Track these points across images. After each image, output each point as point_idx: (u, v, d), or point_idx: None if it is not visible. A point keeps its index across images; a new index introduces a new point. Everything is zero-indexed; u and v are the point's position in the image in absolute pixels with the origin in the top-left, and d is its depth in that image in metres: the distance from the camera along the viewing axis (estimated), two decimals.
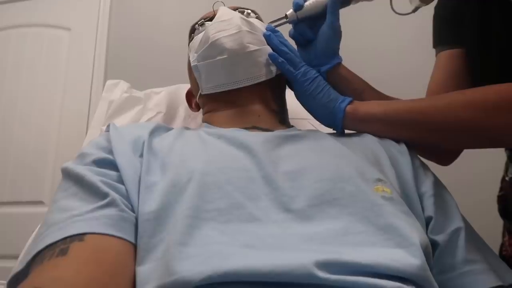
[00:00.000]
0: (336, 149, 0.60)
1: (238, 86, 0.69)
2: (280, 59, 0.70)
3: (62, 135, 1.96)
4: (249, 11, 0.79)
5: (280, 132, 0.64)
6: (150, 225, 0.47)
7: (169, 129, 0.68)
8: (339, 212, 0.49)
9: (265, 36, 0.72)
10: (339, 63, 0.73)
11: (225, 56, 0.68)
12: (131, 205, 0.50)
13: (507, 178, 0.76)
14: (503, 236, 0.81)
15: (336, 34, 0.71)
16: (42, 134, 1.99)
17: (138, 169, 0.54)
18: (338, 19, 0.71)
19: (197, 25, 0.78)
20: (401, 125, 0.65)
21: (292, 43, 0.76)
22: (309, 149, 0.60)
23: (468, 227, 0.58)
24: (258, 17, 0.80)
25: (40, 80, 2.07)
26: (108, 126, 0.62)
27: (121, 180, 0.52)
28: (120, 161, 0.54)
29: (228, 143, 0.59)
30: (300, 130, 0.68)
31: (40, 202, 1.89)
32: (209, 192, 0.49)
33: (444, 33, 0.81)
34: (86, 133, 0.96)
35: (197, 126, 0.88)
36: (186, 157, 0.55)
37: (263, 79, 0.70)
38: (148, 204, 0.49)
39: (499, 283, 0.51)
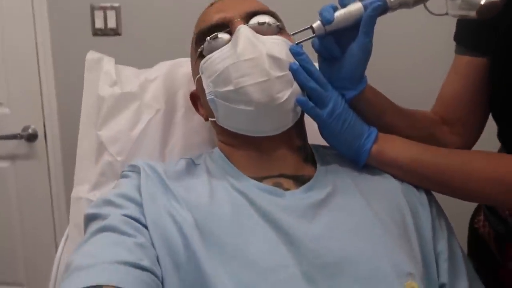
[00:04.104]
0: (369, 224, 0.61)
1: (263, 135, 0.66)
2: (310, 105, 0.65)
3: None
4: (270, 21, 0.68)
5: (310, 198, 0.63)
6: None
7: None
8: None
9: (292, 70, 0.64)
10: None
11: (251, 109, 0.62)
12: None
13: None
14: (478, 213, 0.92)
15: (367, 56, 0.66)
16: None
17: None
18: (371, 39, 0.64)
19: (208, 37, 0.67)
20: (424, 179, 0.68)
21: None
22: (343, 227, 0.60)
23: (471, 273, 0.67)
24: (280, 28, 0.70)
25: None
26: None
27: None
28: None
29: (264, 219, 0.59)
30: (325, 178, 0.67)
31: None
32: None
33: (471, 39, 0.76)
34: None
35: (205, 132, 0.84)
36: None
37: (290, 125, 0.66)
38: None
39: None
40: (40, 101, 1.71)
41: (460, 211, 0.90)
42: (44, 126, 1.74)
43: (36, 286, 1.85)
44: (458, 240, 0.70)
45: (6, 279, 1.87)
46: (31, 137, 1.72)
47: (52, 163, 1.76)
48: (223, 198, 0.62)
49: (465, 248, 0.90)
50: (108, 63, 0.87)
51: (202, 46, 0.69)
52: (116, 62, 0.90)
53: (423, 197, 0.68)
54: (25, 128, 1.71)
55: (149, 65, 0.94)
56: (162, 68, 0.90)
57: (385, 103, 0.73)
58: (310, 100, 0.67)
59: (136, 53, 1.52)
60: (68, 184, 1.71)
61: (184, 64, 0.89)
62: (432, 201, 0.69)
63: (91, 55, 0.88)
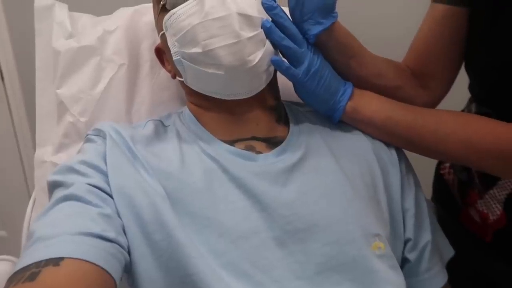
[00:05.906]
0: (340, 189, 0.62)
1: (235, 98, 0.63)
2: (285, 65, 0.62)
3: None
4: None
5: (282, 162, 0.62)
6: None
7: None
8: (341, 279, 0.56)
9: (264, 28, 0.60)
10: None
11: (221, 73, 0.59)
12: None
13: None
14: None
15: None
16: None
17: None
18: None
19: None
20: (397, 138, 0.68)
21: None
22: (314, 192, 0.61)
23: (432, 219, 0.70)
24: None
25: None
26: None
27: None
28: None
29: (236, 186, 0.59)
30: (298, 140, 0.66)
31: None
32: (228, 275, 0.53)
33: None
34: None
35: (173, 87, 0.79)
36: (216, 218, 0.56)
37: (263, 87, 0.64)
38: None
39: (445, 281, 0.68)
40: None
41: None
42: None
43: (14, 230, 1.86)
44: (425, 183, 0.73)
45: None
46: None
47: (13, 105, 1.67)
48: (194, 165, 0.61)
49: (430, 190, 0.94)
50: (61, 10, 0.78)
51: (163, 2, 0.62)
52: (70, 9, 0.82)
53: (393, 155, 0.69)
54: None
55: (107, 11, 0.85)
56: (122, 16, 0.82)
57: (354, 45, 0.70)
58: (284, 57, 0.64)
59: None
60: (33, 122, 1.64)
61: (147, 11, 0.82)
62: (401, 158, 0.70)
63: (40, 2, 0.78)
